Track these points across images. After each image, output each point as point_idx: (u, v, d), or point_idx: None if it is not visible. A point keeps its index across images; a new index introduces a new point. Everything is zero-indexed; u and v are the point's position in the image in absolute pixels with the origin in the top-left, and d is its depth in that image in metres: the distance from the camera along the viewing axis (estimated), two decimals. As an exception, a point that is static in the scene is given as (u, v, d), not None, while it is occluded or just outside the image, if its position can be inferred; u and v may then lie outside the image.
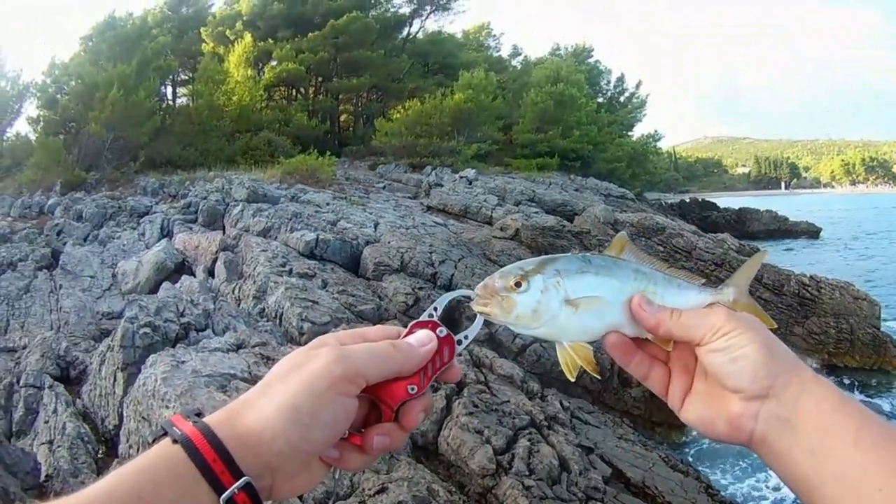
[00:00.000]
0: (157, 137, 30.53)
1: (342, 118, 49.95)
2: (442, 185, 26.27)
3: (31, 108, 34.37)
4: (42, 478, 7.04)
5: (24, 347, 11.22)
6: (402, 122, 36.32)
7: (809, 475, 0.93)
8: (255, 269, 13.28)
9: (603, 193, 31.46)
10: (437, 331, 1.12)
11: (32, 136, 32.52)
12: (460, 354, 1.39)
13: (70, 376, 10.04)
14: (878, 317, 17.45)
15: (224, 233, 17.25)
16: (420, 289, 13.19)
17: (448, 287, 13.83)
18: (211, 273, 14.85)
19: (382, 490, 5.55)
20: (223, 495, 0.85)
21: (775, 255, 32.28)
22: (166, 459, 0.87)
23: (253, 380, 7.43)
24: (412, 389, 1.06)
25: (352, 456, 1.04)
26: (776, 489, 10.74)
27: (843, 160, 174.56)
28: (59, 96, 33.30)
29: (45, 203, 23.29)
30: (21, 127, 35.24)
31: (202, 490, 0.85)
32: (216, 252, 15.27)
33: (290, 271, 12.95)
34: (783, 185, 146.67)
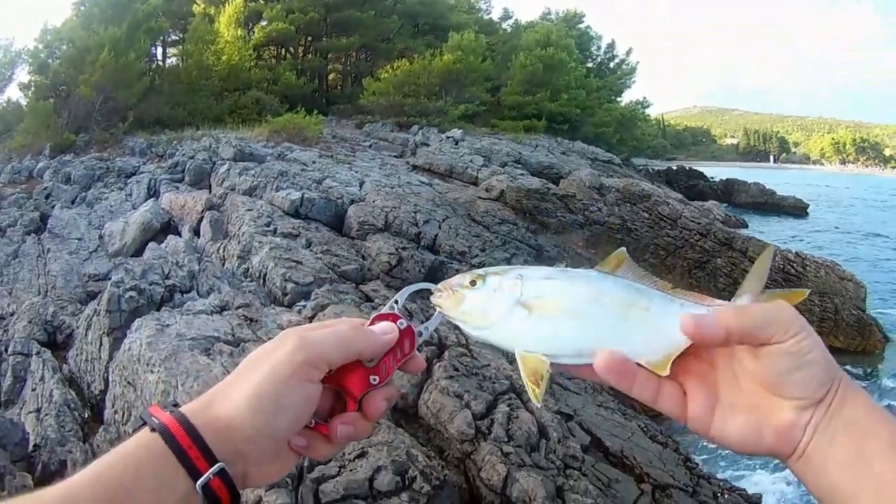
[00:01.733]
0: (146, 98, 30.34)
1: (330, 77, 49.68)
2: (428, 145, 26.10)
3: (22, 75, 34.11)
4: (30, 448, 7.10)
5: (12, 314, 11.23)
6: (390, 81, 36.19)
7: (846, 483, 0.88)
8: (239, 228, 13.15)
9: (589, 157, 31.12)
10: (398, 322, 1.13)
11: (24, 102, 32.28)
12: (424, 345, 1.45)
13: (57, 341, 10.08)
14: (864, 299, 17.45)
15: (210, 192, 17.10)
16: (404, 248, 12.97)
17: (431, 248, 13.80)
18: (197, 232, 14.74)
19: (362, 455, 5.54)
20: (199, 481, 0.88)
21: (760, 228, 32.48)
22: (146, 448, 0.89)
23: (236, 342, 7.58)
24: (374, 380, 1.08)
25: (319, 444, 1.05)
26: (758, 468, 11.07)
27: (833, 138, 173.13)
28: (50, 61, 32.93)
29: (35, 167, 23.15)
30: (12, 93, 34.97)
31: (180, 476, 0.87)
32: (202, 211, 15.15)
33: (275, 231, 12.84)
34: (772, 158, 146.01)
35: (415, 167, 22.59)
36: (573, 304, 1.04)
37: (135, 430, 0.93)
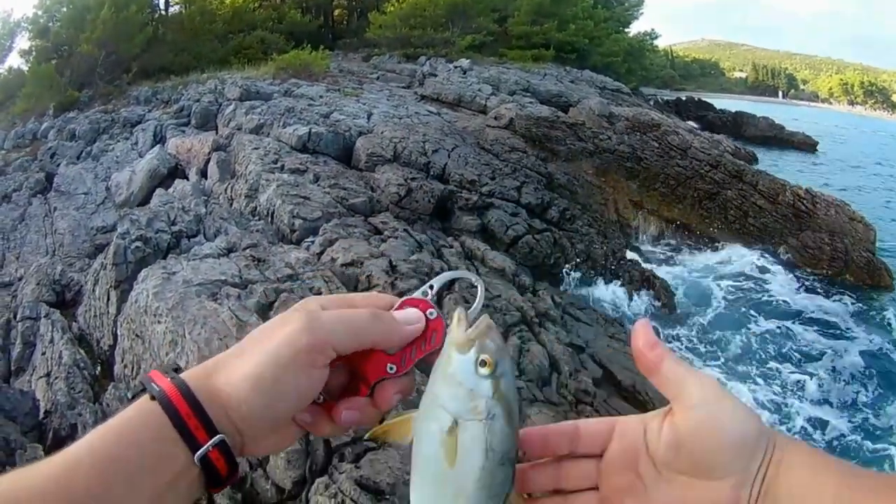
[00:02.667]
0: (150, 48, 30.01)
1: (336, 13, 48.99)
2: (436, 75, 25.66)
3: (22, 42, 33.85)
4: (41, 415, 7.06)
5: (20, 279, 11.14)
6: (395, 14, 35.81)
7: None
8: (247, 167, 12.98)
9: (598, 86, 30.49)
10: (427, 312, 1.01)
11: (25, 68, 32.06)
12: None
13: (66, 300, 10.01)
14: (873, 241, 17.24)
15: (217, 133, 16.86)
16: (413, 179, 12.79)
17: (441, 177, 13.56)
18: (204, 175, 14.59)
19: None
20: (198, 452, 0.84)
21: (770, 162, 31.93)
22: (145, 417, 0.84)
23: (243, 284, 7.52)
24: (391, 369, 0.99)
25: (324, 423, 0.99)
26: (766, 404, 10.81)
27: (841, 79, 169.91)
28: (50, 25, 32.50)
29: (39, 129, 22.95)
30: (13, 61, 34.73)
31: (179, 447, 0.83)
32: (209, 153, 14.98)
33: (283, 167, 12.65)
34: (780, 94, 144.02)
35: (423, 97, 22.25)
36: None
37: (134, 396, 0.94)
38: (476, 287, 1.05)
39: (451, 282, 1.10)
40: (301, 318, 0.91)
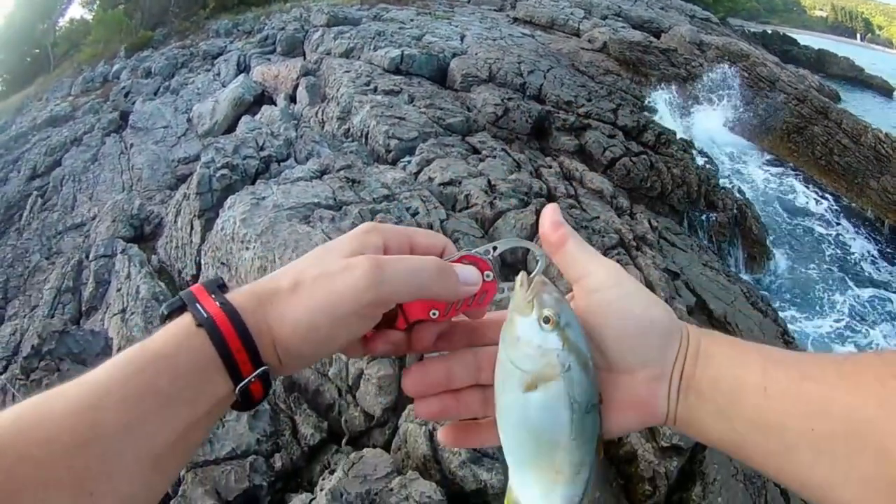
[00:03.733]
0: (227, -21, 29.45)
1: None
2: None
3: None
4: (114, 353, 6.74)
5: (93, 218, 11.07)
6: None
7: (729, 438, 0.81)
8: (338, 90, 12.69)
9: (688, 14, 30.15)
10: (485, 274, 0.97)
11: (89, 17, 31.85)
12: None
13: (145, 233, 9.97)
14: None
15: (305, 59, 16.56)
16: (509, 99, 12.27)
17: (537, 97, 13.12)
18: (293, 100, 14.36)
19: None
20: (240, 385, 0.80)
21: (852, 102, 30.25)
22: (189, 344, 0.78)
23: (338, 206, 7.41)
24: (434, 314, 0.94)
25: (358, 348, 0.94)
26: (844, 337, 11.01)
27: None
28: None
29: (109, 71, 22.97)
30: (75, 13, 34.64)
31: (222, 378, 0.79)
32: (297, 78, 14.74)
33: (375, 89, 12.37)
34: (858, 36, 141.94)
35: (515, 20, 22.10)
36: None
37: (171, 313, 0.82)
38: (538, 261, 0.99)
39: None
40: (367, 269, 0.83)
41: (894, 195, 15.70)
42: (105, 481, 0.69)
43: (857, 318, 11.77)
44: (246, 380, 0.79)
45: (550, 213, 0.89)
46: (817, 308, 11.77)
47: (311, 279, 0.84)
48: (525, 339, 0.83)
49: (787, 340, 7.79)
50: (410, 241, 0.95)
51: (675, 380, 0.82)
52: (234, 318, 0.79)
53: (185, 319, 0.79)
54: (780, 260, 12.95)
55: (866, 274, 13.61)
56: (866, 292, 12.87)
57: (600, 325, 0.84)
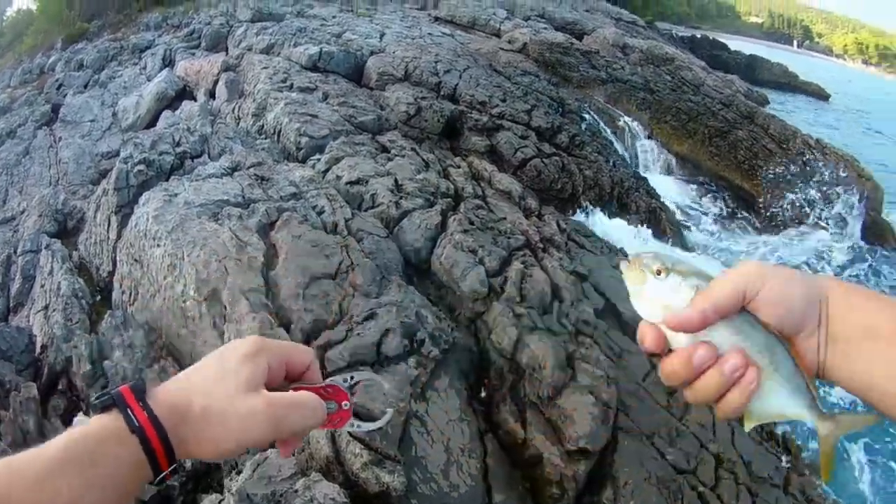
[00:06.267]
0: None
1: None
2: None
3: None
4: (37, 351, 7.14)
5: (23, 212, 11.01)
6: None
7: (865, 381, 0.98)
8: (255, 86, 12.64)
9: (614, 17, 30.35)
10: (343, 403, 1.18)
11: (34, 7, 31.61)
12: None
13: (68, 228, 9.90)
14: (881, 202, 16.71)
15: (227, 54, 16.42)
16: (423, 98, 12.36)
17: (451, 97, 13.20)
18: (213, 95, 14.22)
19: (371, 316, 5.53)
20: (159, 476, 0.98)
21: (782, 108, 31.53)
22: (120, 442, 0.94)
23: (246, 203, 7.46)
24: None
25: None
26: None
27: (857, 38, 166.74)
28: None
29: (46, 63, 22.66)
30: (22, 2, 34.33)
31: (145, 472, 0.96)
32: (217, 74, 14.59)
33: (291, 86, 12.31)
34: (795, 43, 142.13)
35: (437, 19, 22.34)
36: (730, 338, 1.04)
37: (102, 406, 0.99)
38: (386, 412, 1.27)
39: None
40: (267, 421, 1.04)
41: (817, 202, 15.75)
42: None
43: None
44: (162, 474, 0.97)
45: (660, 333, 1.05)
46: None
47: (218, 411, 1.01)
48: (658, 298, 1.04)
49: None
50: (288, 358, 1.13)
51: (821, 335, 1.00)
52: (161, 433, 0.95)
53: (118, 421, 0.95)
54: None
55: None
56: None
57: (762, 314, 1.01)
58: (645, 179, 14.41)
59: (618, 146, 15.51)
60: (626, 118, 17.23)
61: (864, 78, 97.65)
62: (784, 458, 6.47)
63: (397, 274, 6.52)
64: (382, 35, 17.08)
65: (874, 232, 15.74)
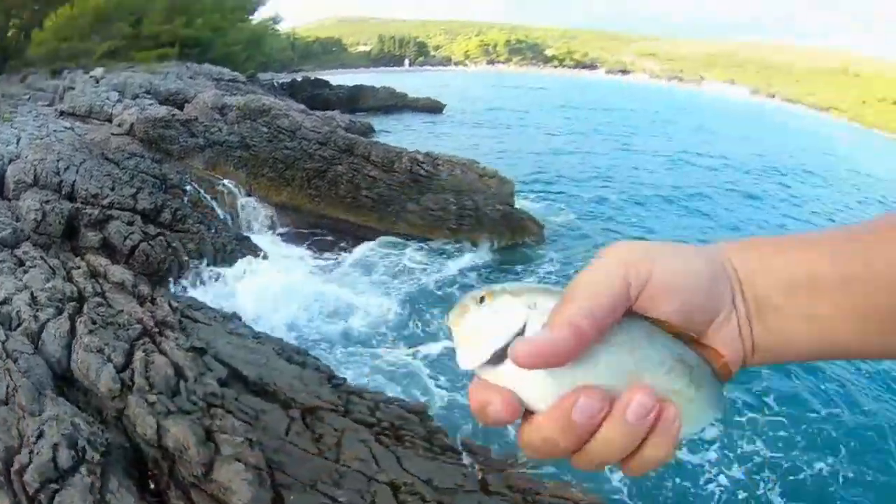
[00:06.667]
0: None
1: (9, 34, 40.66)
2: (74, 88, 24.21)
3: None
4: None
5: None
6: (53, 28, 32.90)
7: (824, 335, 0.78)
8: None
9: (216, 78, 30.09)
10: None
11: None
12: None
13: None
14: (511, 194, 16.88)
15: None
16: (47, 202, 12.22)
17: (70, 196, 13.27)
18: None
19: (41, 435, 5.30)
20: None
21: (389, 130, 33.20)
22: None
23: None
24: None
25: None
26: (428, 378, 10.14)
27: (482, 40, 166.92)
28: None
29: None
30: None
31: None
32: None
33: None
34: (407, 62, 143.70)
35: (62, 113, 21.33)
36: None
37: None
38: None
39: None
40: None
41: (438, 212, 16.43)
42: None
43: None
44: None
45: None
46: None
47: None
48: (483, 328, 0.72)
49: (335, 385, 7.67)
50: None
51: (741, 312, 0.77)
52: None
53: None
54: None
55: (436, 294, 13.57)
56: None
57: (658, 311, 0.73)
58: (247, 238, 14.67)
59: (219, 211, 15.52)
60: (225, 181, 16.87)
61: (487, 78, 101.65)
62: (468, 461, 6.47)
63: (49, 388, 6.25)
64: (19, 140, 16.25)
65: (510, 225, 16.31)
